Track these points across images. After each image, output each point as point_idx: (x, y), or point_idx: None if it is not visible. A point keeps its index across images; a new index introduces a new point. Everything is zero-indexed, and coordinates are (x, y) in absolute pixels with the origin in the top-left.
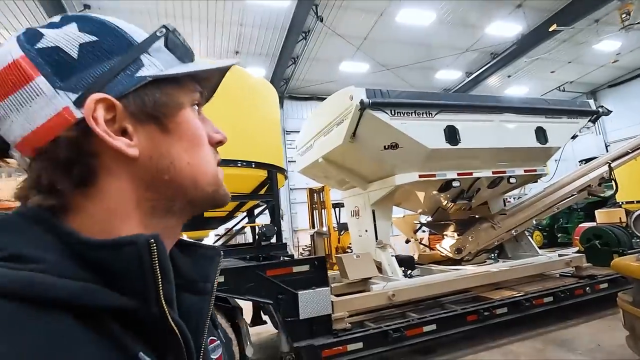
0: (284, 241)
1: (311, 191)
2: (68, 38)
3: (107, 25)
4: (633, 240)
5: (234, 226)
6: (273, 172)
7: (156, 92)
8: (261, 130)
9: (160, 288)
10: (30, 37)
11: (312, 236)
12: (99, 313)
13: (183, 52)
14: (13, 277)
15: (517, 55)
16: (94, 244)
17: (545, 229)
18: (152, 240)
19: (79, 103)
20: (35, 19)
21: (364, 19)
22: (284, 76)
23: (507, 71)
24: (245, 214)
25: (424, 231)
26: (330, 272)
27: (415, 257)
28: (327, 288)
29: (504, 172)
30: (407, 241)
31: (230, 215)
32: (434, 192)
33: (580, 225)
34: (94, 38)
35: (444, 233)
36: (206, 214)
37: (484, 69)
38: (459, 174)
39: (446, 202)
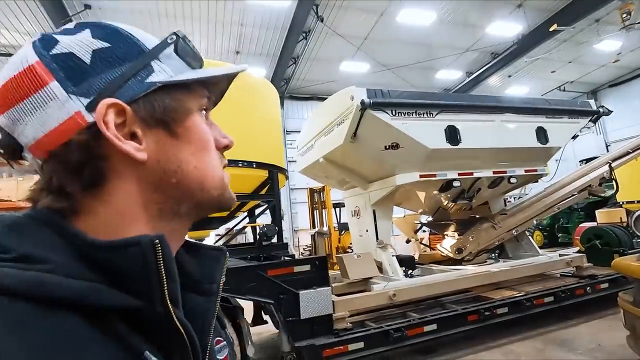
0: (284, 241)
1: (312, 191)
2: (82, 44)
3: (120, 32)
4: (634, 240)
5: (234, 226)
6: (274, 172)
7: (165, 97)
8: (262, 131)
9: (165, 288)
10: (45, 43)
11: (312, 236)
12: (106, 313)
13: (192, 59)
14: (22, 277)
15: (518, 55)
16: (100, 244)
17: (545, 228)
18: (157, 240)
19: (90, 107)
20: (36, 18)
21: (364, 18)
22: (284, 76)
23: (508, 71)
24: (246, 214)
25: (424, 231)
26: (330, 272)
27: (416, 257)
28: (328, 288)
29: (505, 172)
30: (408, 241)
31: (231, 215)
32: (435, 192)
33: (580, 225)
34: (107, 44)
35: (445, 233)
36: None
37: (484, 68)
38: (459, 174)
39: (447, 202)
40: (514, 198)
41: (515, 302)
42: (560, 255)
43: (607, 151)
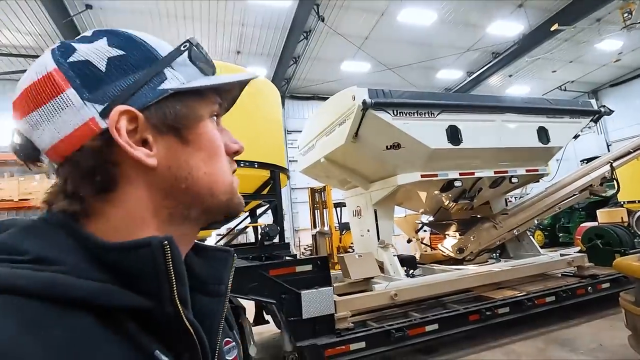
0: (285, 241)
1: (313, 191)
2: (98, 52)
3: (134, 39)
4: (635, 240)
5: (236, 226)
6: (275, 172)
7: (177, 104)
8: (263, 130)
9: (175, 288)
10: (63, 51)
11: (314, 236)
12: (117, 313)
13: (205, 66)
14: (36, 278)
15: (519, 55)
16: (111, 246)
17: (546, 228)
18: (166, 242)
19: (104, 114)
20: (37, 18)
21: (365, 18)
22: (285, 76)
23: (509, 71)
24: (247, 213)
25: (425, 231)
26: (331, 272)
27: (417, 257)
28: (329, 288)
29: (506, 171)
30: (409, 241)
31: None
32: (436, 192)
33: (581, 225)
34: (122, 52)
35: (446, 233)
36: None
37: (485, 68)
38: (460, 174)
39: (448, 201)
40: (515, 198)
41: (516, 302)
42: (562, 255)
43: (608, 151)
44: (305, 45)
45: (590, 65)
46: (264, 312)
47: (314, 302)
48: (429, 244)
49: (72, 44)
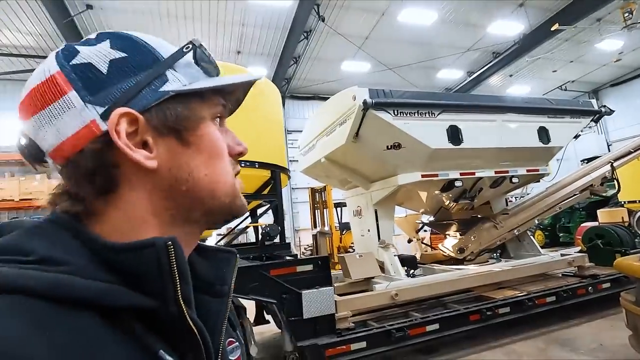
0: (286, 241)
1: (313, 191)
2: (100, 55)
3: (137, 41)
4: (636, 240)
5: (236, 226)
6: (276, 172)
7: (178, 106)
8: (264, 130)
9: (179, 288)
10: (67, 54)
11: (314, 236)
12: (122, 313)
13: (208, 67)
14: (42, 279)
15: (519, 55)
16: (116, 247)
17: (547, 228)
18: (170, 242)
19: (104, 116)
20: (38, 18)
21: (365, 18)
22: (285, 76)
23: (509, 70)
24: (248, 213)
25: (425, 231)
26: (332, 272)
27: (418, 257)
28: (330, 287)
29: (507, 171)
30: (410, 241)
31: None
32: (437, 192)
33: (582, 225)
34: (124, 54)
35: (447, 233)
36: None
37: (485, 68)
38: (461, 174)
39: (448, 201)
40: (516, 198)
41: (517, 302)
42: (562, 255)
43: (609, 150)
44: (305, 45)
45: (590, 65)
46: (265, 312)
47: (315, 302)
48: (430, 244)
49: (76, 46)
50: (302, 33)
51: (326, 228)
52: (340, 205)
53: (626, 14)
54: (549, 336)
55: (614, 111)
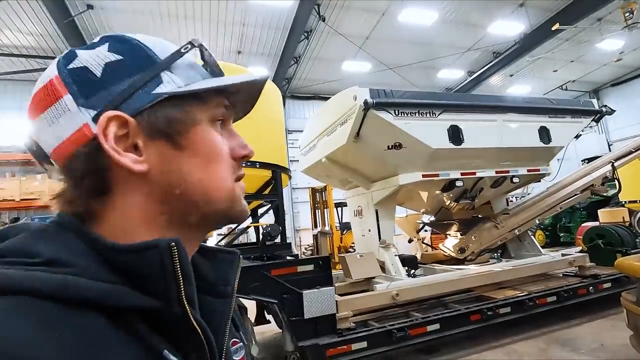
0: (287, 241)
1: (313, 190)
2: (96, 58)
3: (134, 43)
4: (637, 240)
5: (237, 226)
6: (277, 172)
7: (173, 108)
8: (265, 130)
9: (182, 288)
10: (66, 59)
11: (315, 236)
12: (127, 313)
13: (208, 68)
14: (49, 280)
15: (520, 55)
16: (120, 248)
17: (547, 228)
18: (173, 243)
19: (96, 119)
20: (39, 18)
21: (366, 18)
22: (286, 76)
23: (509, 70)
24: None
25: (426, 230)
26: (333, 272)
27: (418, 257)
28: (331, 287)
29: (508, 171)
30: (410, 241)
31: None
32: (437, 192)
33: (583, 225)
34: (119, 57)
35: (447, 232)
36: None
37: (486, 68)
38: (462, 174)
39: (449, 201)
40: (516, 198)
41: (517, 302)
42: (563, 255)
43: (610, 150)
44: (306, 45)
45: (591, 65)
46: (265, 312)
47: (316, 302)
48: (430, 244)
49: (77, 51)
50: (303, 33)
51: (327, 228)
52: (340, 205)
53: (627, 14)
54: (550, 336)
55: (614, 111)
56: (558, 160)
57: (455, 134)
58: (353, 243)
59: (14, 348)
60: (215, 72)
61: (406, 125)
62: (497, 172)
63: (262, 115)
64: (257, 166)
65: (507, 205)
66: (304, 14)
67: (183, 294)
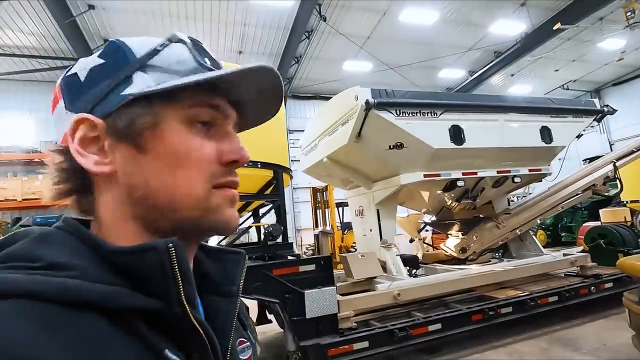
0: (288, 240)
1: (314, 190)
2: (85, 64)
3: (119, 45)
4: (638, 240)
5: (238, 226)
6: (279, 172)
7: (140, 109)
8: (266, 130)
9: (181, 289)
10: (70, 66)
11: (316, 235)
12: (128, 314)
13: (194, 64)
14: (50, 283)
15: (521, 54)
16: (119, 250)
17: (549, 228)
18: (171, 244)
19: None
20: (40, 19)
21: (367, 18)
22: (287, 75)
23: (511, 70)
24: (250, 213)
25: (427, 230)
26: (334, 272)
27: (420, 257)
28: (333, 287)
29: (509, 171)
30: (411, 240)
31: None
32: (439, 192)
33: (584, 225)
34: (102, 61)
35: (448, 232)
36: None
37: (487, 67)
38: (463, 174)
39: (450, 201)
40: (518, 197)
41: (519, 302)
42: (564, 254)
43: (611, 150)
44: (307, 45)
45: (593, 64)
46: (267, 312)
47: (317, 301)
48: (432, 244)
49: (81, 58)
50: (304, 33)
51: (328, 228)
52: (341, 204)
53: (628, 13)
54: (552, 336)
55: (616, 110)
56: (560, 160)
57: (456, 134)
58: (354, 243)
59: (14, 348)
60: (211, 68)
61: (407, 125)
62: (498, 172)
63: None
64: (259, 166)
65: (509, 205)
66: (305, 14)
67: (182, 294)
